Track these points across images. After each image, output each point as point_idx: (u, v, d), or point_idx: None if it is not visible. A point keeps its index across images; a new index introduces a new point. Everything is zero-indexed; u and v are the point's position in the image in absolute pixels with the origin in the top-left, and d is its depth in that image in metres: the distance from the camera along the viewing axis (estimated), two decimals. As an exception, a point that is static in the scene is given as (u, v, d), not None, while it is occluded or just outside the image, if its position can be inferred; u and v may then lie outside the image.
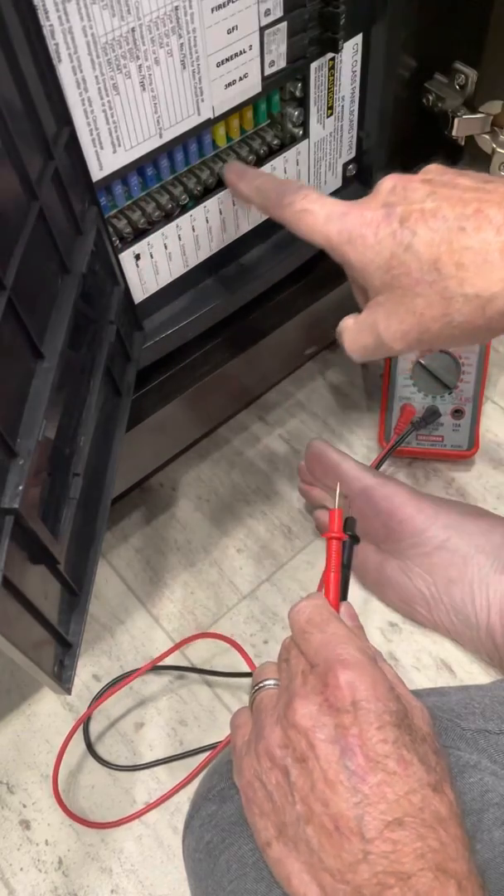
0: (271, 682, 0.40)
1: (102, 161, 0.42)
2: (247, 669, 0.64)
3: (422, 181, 0.40)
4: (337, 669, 0.35)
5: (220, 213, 0.52)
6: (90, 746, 0.63)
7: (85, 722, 0.64)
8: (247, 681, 0.65)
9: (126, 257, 0.48)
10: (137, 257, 0.49)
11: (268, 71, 0.47)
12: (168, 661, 0.65)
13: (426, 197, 0.39)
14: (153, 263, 0.50)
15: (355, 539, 0.47)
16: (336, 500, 0.47)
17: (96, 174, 0.42)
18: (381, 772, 0.33)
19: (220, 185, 0.51)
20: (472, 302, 0.37)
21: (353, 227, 0.41)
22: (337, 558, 0.45)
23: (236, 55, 0.45)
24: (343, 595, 0.45)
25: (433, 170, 0.41)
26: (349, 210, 0.42)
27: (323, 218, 0.42)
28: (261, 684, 0.41)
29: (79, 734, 0.64)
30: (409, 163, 0.63)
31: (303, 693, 0.36)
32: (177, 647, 0.63)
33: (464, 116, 0.56)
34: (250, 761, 0.38)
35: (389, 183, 0.41)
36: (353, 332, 0.43)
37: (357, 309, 0.45)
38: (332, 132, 0.55)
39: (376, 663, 0.37)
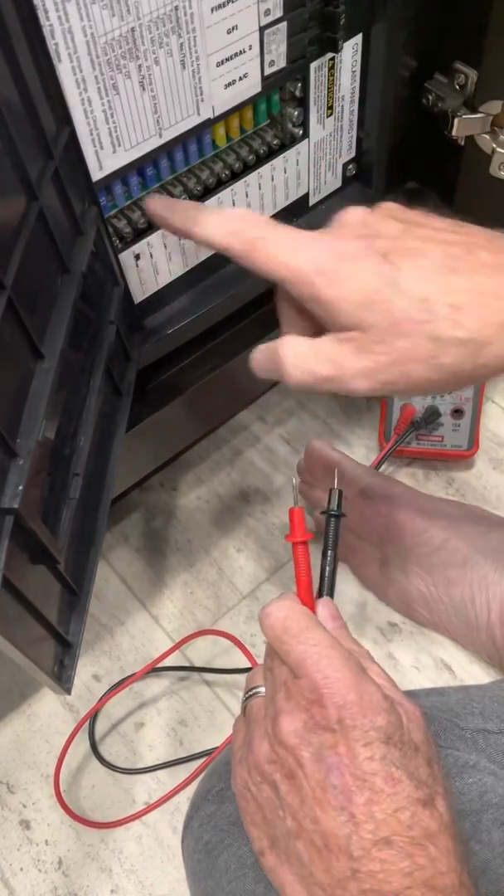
0: (262, 689, 0.39)
1: (102, 161, 0.42)
2: (248, 665, 0.64)
3: (390, 216, 0.38)
4: (320, 686, 0.34)
5: (220, 213, 0.52)
6: (94, 747, 0.63)
7: (91, 721, 0.64)
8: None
9: (126, 257, 0.48)
10: (137, 257, 0.49)
11: (268, 71, 0.47)
12: (169, 662, 0.65)
13: (403, 233, 0.37)
14: (153, 263, 0.50)
15: (339, 515, 0.45)
16: (294, 499, 0.45)
17: (96, 174, 0.42)
18: (368, 790, 0.32)
19: (220, 185, 0.51)
20: (467, 346, 0.35)
21: (326, 259, 0.37)
22: (304, 561, 0.42)
23: (236, 55, 0.45)
24: (330, 587, 0.43)
25: (394, 207, 0.39)
26: (318, 239, 0.38)
27: (285, 247, 0.38)
28: (251, 691, 0.40)
29: (80, 735, 0.64)
30: (409, 163, 0.64)
31: (287, 708, 0.35)
32: (177, 645, 0.63)
33: (464, 116, 0.56)
34: (242, 772, 0.38)
35: (357, 216, 0.38)
36: (304, 356, 0.40)
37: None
38: (331, 132, 0.55)
39: (362, 671, 0.35)
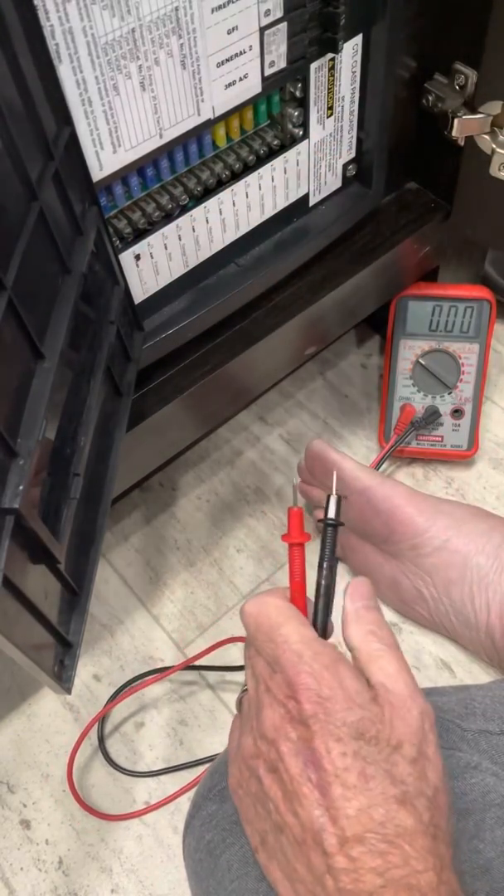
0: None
1: (102, 161, 0.42)
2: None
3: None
4: (294, 681, 0.34)
5: (220, 213, 0.52)
6: (102, 744, 0.63)
7: (100, 722, 0.64)
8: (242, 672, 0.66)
9: (126, 257, 0.48)
10: (137, 257, 0.49)
11: (268, 71, 0.47)
12: (167, 658, 0.65)
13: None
14: (153, 263, 0.50)
15: (337, 524, 0.42)
16: (293, 499, 0.43)
17: (96, 174, 0.42)
18: (341, 786, 0.32)
19: (220, 185, 0.51)
20: None
21: None
22: (300, 563, 0.41)
23: (236, 55, 0.45)
24: (327, 605, 0.40)
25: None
26: None
27: None
28: (245, 688, 0.40)
29: (79, 733, 0.64)
30: (409, 163, 0.64)
31: (267, 702, 0.35)
32: (211, 648, 0.62)
33: (463, 117, 0.56)
34: (234, 770, 0.38)
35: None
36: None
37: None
38: (331, 132, 0.55)
39: (337, 665, 0.35)
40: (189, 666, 0.65)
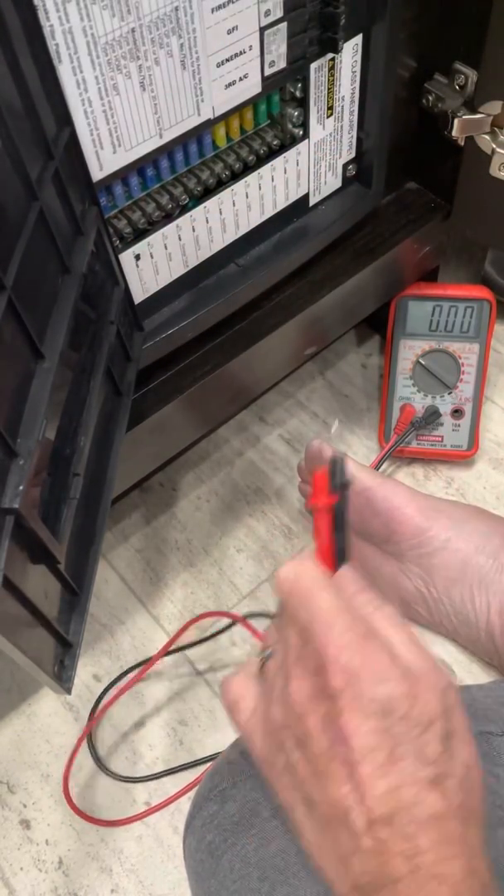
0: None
1: (102, 161, 0.42)
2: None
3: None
4: (325, 654, 0.32)
5: (220, 213, 0.52)
6: (95, 755, 0.63)
7: (89, 737, 0.64)
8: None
9: (126, 257, 0.48)
10: (137, 257, 0.49)
11: (268, 71, 0.47)
12: (168, 662, 0.65)
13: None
14: (153, 263, 0.50)
15: (346, 486, 0.40)
16: (324, 458, 0.39)
17: (96, 174, 0.42)
18: (369, 765, 0.31)
19: (220, 185, 0.51)
20: None
21: None
22: (327, 526, 0.38)
23: (236, 55, 0.45)
24: (341, 557, 0.39)
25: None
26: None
27: None
28: (266, 651, 0.38)
29: (79, 733, 0.64)
30: (409, 163, 0.64)
31: (297, 674, 0.34)
32: (183, 628, 0.62)
33: (464, 117, 0.56)
34: (257, 740, 0.37)
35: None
36: None
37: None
38: (332, 132, 0.55)
39: (371, 639, 0.33)
40: (174, 650, 0.64)
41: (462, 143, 0.58)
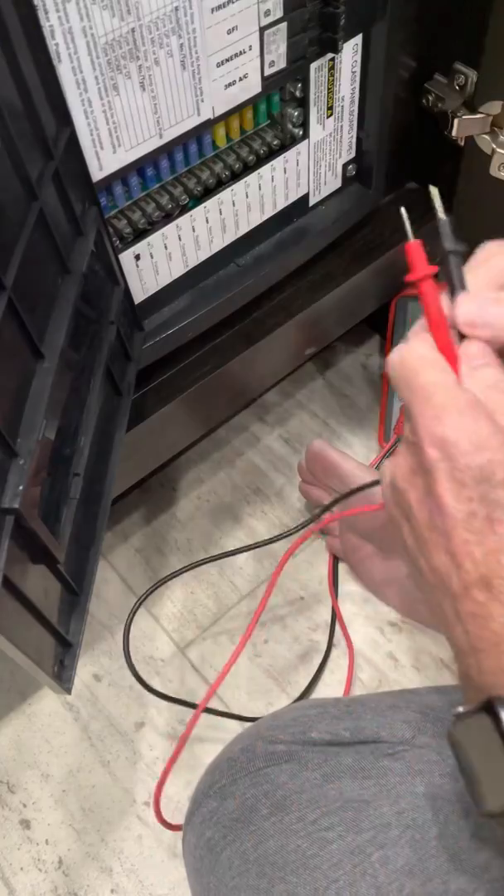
0: None
1: (102, 161, 0.42)
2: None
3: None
4: (419, 428, 0.32)
5: (221, 213, 0.52)
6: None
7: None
8: (243, 672, 0.65)
9: (126, 257, 0.48)
10: (137, 257, 0.49)
11: (268, 71, 0.47)
12: (168, 662, 0.65)
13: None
14: (153, 263, 0.50)
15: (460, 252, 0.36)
16: (409, 233, 0.36)
17: (96, 174, 0.42)
18: (467, 531, 0.31)
19: (220, 185, 0.51)
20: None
21: None
22: (435, 297, 0.36)
23: (236, 55, 0.45)
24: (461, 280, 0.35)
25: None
26: None
27: None
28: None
29: (80, 736, 0.64)
30: (409, 163, 0.64)
31: (402, 451, 0.35)
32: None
33: (463, 117, 0.56)
34: (387, 496, 0.37)
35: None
36: None
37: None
38: (331, 132, 0.55)
39: (469, 409, 0.32)
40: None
41: (462, 143, 0.58)
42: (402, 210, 0.37)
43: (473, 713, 0.30)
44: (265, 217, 0.55)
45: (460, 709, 0.32)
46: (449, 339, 0.35)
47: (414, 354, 0.34)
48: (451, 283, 0.36)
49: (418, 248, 0.36)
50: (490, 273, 0.36)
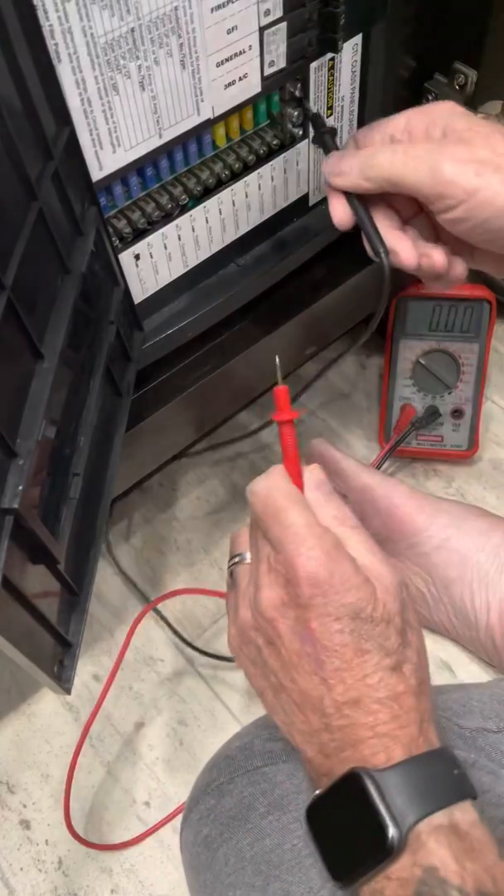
0: (247, 555, 0.41)
1: (102, 161, 0.42)
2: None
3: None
4: (295, 566, 0.36)
5: (220, 213, 0.52)
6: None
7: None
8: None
9: (126, 257, 0.48)
10: (137, 257, 0.49)
11: (267, 71, 0.47)
12: (168, 662, 0.65)
13: None
14: (153, 263, 0.50)
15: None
16: (278, 378, 0.43)
17: (96, 174, 0.42)
18: (338, 660, 0.35)
19: (220, 185, 0.51)
20: None
21: None
22: (291, 437, 0.41)
23: (236, 55, 0.45)
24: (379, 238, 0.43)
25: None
26: None
27: None
28: (237, 557, 0.42)
29: (79, 733, 0.64)
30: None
31: (268, 582, 0.37)
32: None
33: (463, 116, 0.56)
34: (233, 631, 0.41)
35: None
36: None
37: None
38: (331, 132, 0.55)
39: (337, 549, 0.37)
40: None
41: (462, 143, 0.58)
42: (276, 358, 0.43)
43: (338, 783, 0.35)
44: (265, 217, 0.56)
45: (317, 792, 0.36)
46: (299, 469, 0.40)
47: (279, 489, 0.38)
48: (328, 148, 0.47)
49: (284, 394, 0.42)
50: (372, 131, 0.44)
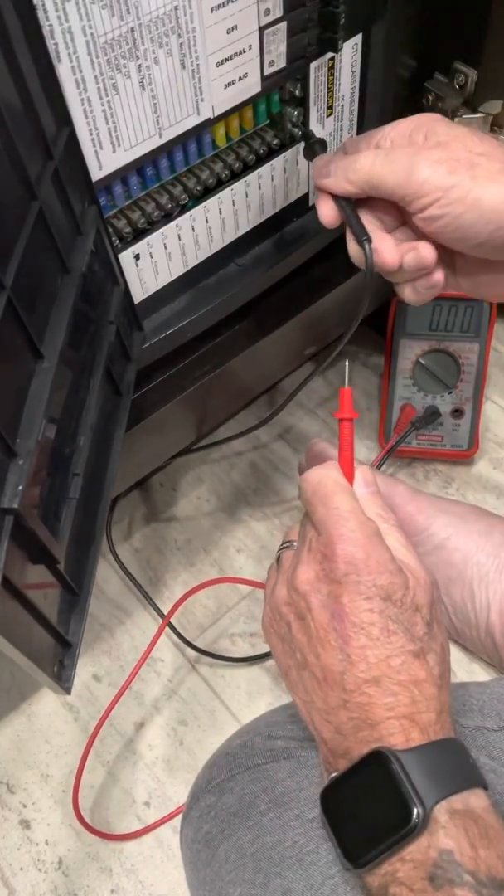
0: (295, 543, 0.44)
1: (102, 161, 0.42)
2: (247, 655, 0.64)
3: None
4: (334, 544, 0.38)
5: (220, 213, 0.52)
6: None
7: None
8: (242, 672, 0.66)
9: (126, 257, 0.48)
10: (137, 257, 0.49)
11: (267, 71, 0.47)
12: (168, 662, 0.65)
13: None
14: (153, 263, 0.50)
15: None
16: (346, 379, 0.47)
17: (96, 174, 0.42)
18: (364, 637, 0.36)
19: (219, 185, 0.51)
20: None
21: None
22: (349, 436, 0.44)
23: (236, 55, 0.45)
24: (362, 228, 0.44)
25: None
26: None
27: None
28: (286, 544, 0.45)
29: (78, 735, 0.64)
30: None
31: (306, 560, 0.40)
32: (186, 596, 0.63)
33: (464, 116, 0.56)
34: (267, 611, 0.43)
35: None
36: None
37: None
38: (331, 132, 0.55)
39: (375, 536, 0.39)
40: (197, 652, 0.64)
41: (462, 143, 0.58)
42: (346, 362, 0.48)
43: (359, 765, 0.36)
44: (265, 217, 0.55)
45: (334, 774, 0.37)
46: (351, 468, 0.43)
47: (330, 480, 0.41)
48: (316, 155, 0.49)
49: (348, 395, 0.45)
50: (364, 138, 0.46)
